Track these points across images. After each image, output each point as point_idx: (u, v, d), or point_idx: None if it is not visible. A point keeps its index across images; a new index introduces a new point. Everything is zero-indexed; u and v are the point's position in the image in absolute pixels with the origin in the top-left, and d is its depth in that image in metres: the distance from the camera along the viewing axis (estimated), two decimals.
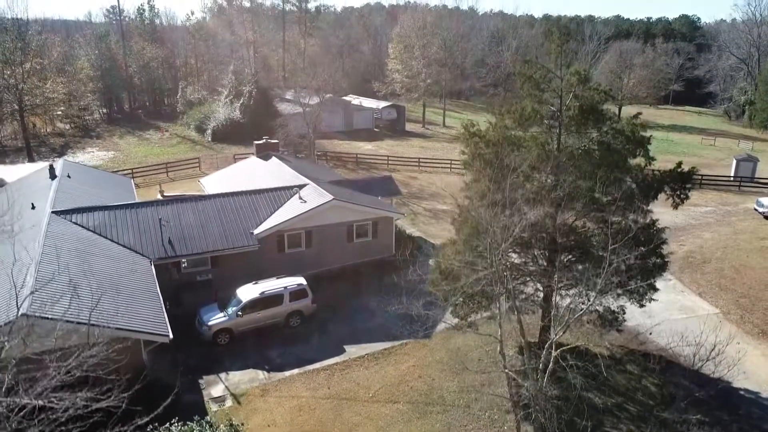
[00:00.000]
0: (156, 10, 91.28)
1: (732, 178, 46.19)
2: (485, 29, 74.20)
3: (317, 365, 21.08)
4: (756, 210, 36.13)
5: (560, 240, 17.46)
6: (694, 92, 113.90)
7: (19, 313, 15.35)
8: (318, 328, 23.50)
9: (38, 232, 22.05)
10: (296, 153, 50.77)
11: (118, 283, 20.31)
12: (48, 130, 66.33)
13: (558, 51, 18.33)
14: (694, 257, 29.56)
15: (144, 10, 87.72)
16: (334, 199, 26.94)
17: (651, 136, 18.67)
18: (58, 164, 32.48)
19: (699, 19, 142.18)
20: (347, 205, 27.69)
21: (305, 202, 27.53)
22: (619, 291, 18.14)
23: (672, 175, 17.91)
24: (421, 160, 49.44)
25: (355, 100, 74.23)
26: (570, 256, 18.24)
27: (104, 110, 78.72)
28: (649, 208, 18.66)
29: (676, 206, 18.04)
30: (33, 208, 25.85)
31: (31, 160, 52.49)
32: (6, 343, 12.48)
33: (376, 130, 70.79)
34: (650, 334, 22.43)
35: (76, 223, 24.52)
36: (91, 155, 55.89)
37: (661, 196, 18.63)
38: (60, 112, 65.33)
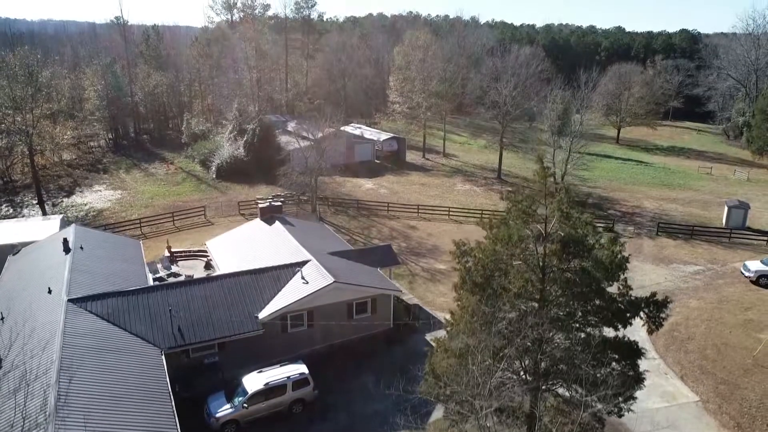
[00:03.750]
0: (161, 34, 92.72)
1: (723, 228, 47.46)
2: (484, 66, 75.17)
3: None
4: (742, 273, 37.32)
5: (542, 366, 18.81)
6: (693, 109, 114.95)
7: None
8: (318, 415, 24.89)
9: (56, 329, 23.48)
10: (299, 196, 52.25)
11: (132, 384, 21.73)
12: (55, 159, 67.80)
13: (542, 184, 19.66)
14: (679, 331, 30.87)
15: (149, 36, 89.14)
16: (334, 282, 28.30)
17: (629, 255, 20.10)
18: (71, 234, 33.76)
19: (699, 33, 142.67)
20: (348, 286, 29.07)
21: (307, 282, 28.89)
22: (599, 405, 19.66)
23: (648, 302, 19.21)
24: (420, 207, 50.85)
25: (356, 130, 75.46)
26: (553, 377, 19.58)
27: (110, 136, 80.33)
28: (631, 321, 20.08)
29: (651, 332, 19.36)
30: (49, 292, 27.28)
31: (40, 200, 54.11)
32: None
33: (377, 161, 72.12)
34: None
35: (91, 312, 25.98)
36: (98, 195, 57.43)
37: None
38: (66, 138, 66.82)
